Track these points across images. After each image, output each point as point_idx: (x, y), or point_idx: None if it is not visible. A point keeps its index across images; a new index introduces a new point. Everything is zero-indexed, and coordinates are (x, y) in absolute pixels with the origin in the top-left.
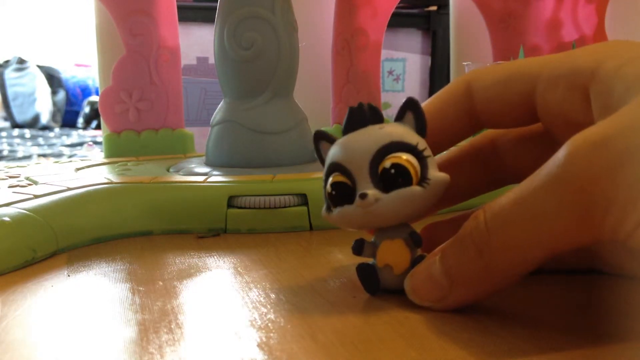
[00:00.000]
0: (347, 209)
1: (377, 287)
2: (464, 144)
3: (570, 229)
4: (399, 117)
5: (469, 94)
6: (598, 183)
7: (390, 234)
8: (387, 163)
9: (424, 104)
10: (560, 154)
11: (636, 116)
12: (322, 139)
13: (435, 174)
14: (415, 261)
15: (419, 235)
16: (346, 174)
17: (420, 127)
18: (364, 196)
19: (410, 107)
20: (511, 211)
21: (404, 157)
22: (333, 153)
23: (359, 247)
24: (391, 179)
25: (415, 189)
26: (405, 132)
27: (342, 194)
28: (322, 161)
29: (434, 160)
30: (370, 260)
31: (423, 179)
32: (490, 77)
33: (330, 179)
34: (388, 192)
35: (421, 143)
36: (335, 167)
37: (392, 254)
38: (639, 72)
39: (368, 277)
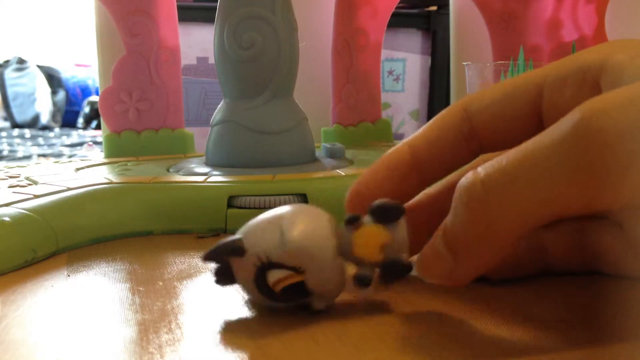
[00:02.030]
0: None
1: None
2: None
3: (585, 190)
4: None
5: (466, 119)
6: (617, 145)
7: None
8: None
9: (419, 133)
10: (576, 115)
11: None
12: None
13: None
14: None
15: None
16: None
17: None
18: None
19: None
20: (516, 169)
21: None
22: None
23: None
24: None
25: None
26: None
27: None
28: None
29: None
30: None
31: None
32: (489, 96)
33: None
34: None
35: None
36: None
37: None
38: None
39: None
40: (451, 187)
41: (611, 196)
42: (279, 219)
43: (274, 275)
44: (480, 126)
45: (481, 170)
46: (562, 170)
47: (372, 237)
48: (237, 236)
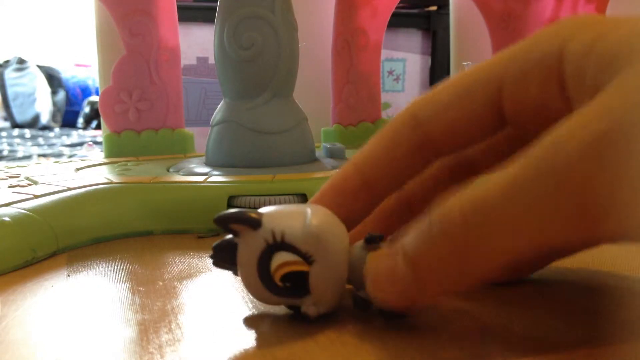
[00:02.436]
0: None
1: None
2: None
3: (568, 225)
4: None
5: (416, 127)
6: (598, 181)
7: None
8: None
9: (365, 149)
10: (548, 151)
11: (627, 106)
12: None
13: None
14: None
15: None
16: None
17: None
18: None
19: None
20: (497, 202)
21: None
22: None
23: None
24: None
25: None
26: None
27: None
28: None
29: None
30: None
31: None
32: (439, 100)
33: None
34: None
35: None
36: None
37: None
38: (611, 50)
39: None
40: (424, 186)
41: (595, 231)
42: (304, 208)
43: (279, 259)
44: (435, 133)
45: (463, 199)
46: (546, 206)
47: None
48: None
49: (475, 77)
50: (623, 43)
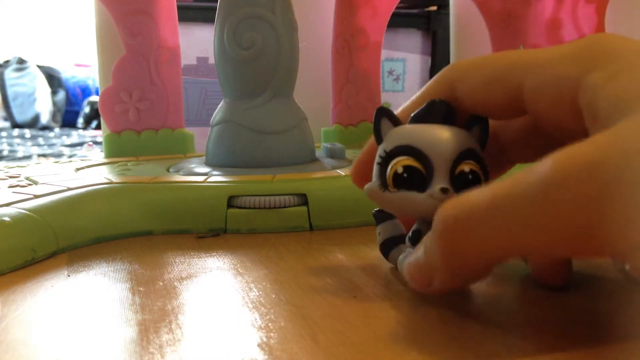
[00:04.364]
0: (415, 195)
1: None
2: None
3: (548, 242)
4: (468, 128)
5: (452, 96)
6: (589, 206)
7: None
8: (466, 167)
9: (407, 105)
10: (548, 167)
11: (627, 139)
12: (386, 116)
13: None
14: None
15: None
16: (423, 162)
17: (483, 142)
18: (445, 191)
19: (478, 122)
20: (488, 211)
21: (478, 167)
22: (410, 136)
23: (417, 237)
24: (466, 183)
25: None
26: (476, 144)
27: (412, 179)
28: (380, 137)
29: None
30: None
31: None
32: (475, 78)
33: (401, 160)
34: (458, 193)
35: (483, 158)
36: (411, 152)
37: None
38: (619, 93)
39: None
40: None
41: (578, 250)
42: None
43: None
44: (466, 103)
45: (457, 204)
46: (530, 222)
47: None
48: None
49: (502, 69)
50: (631, 88)
